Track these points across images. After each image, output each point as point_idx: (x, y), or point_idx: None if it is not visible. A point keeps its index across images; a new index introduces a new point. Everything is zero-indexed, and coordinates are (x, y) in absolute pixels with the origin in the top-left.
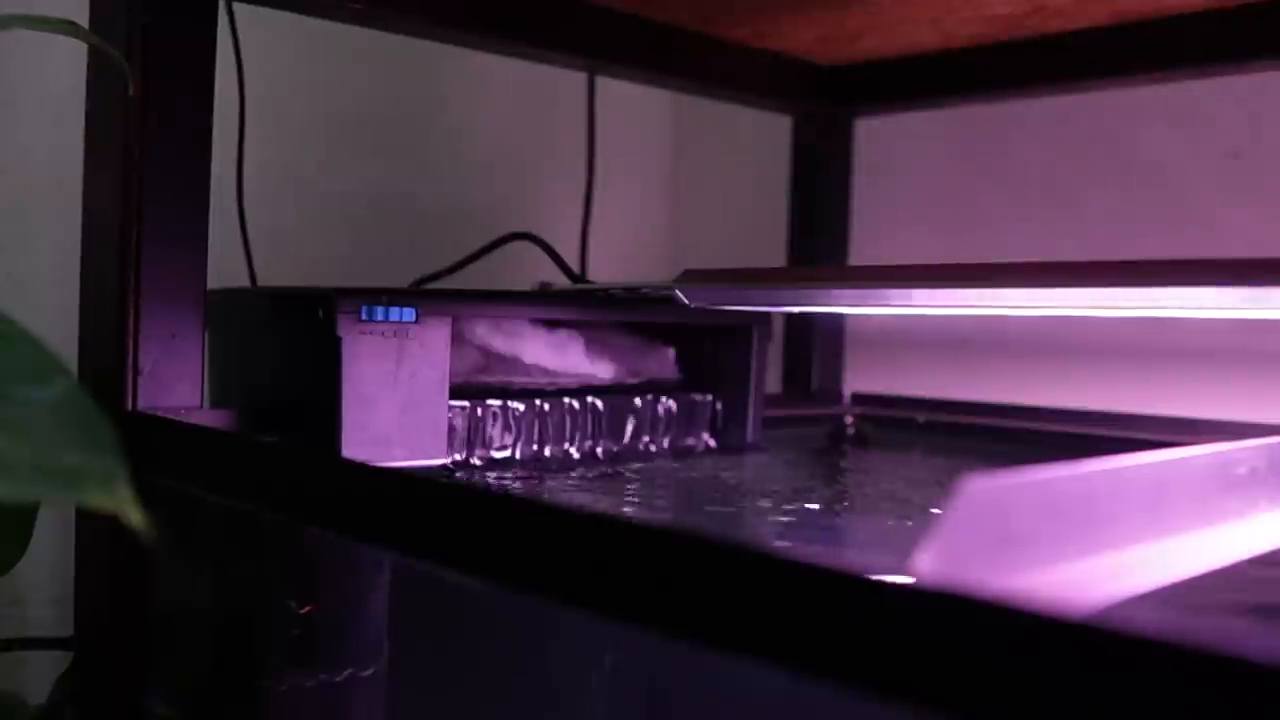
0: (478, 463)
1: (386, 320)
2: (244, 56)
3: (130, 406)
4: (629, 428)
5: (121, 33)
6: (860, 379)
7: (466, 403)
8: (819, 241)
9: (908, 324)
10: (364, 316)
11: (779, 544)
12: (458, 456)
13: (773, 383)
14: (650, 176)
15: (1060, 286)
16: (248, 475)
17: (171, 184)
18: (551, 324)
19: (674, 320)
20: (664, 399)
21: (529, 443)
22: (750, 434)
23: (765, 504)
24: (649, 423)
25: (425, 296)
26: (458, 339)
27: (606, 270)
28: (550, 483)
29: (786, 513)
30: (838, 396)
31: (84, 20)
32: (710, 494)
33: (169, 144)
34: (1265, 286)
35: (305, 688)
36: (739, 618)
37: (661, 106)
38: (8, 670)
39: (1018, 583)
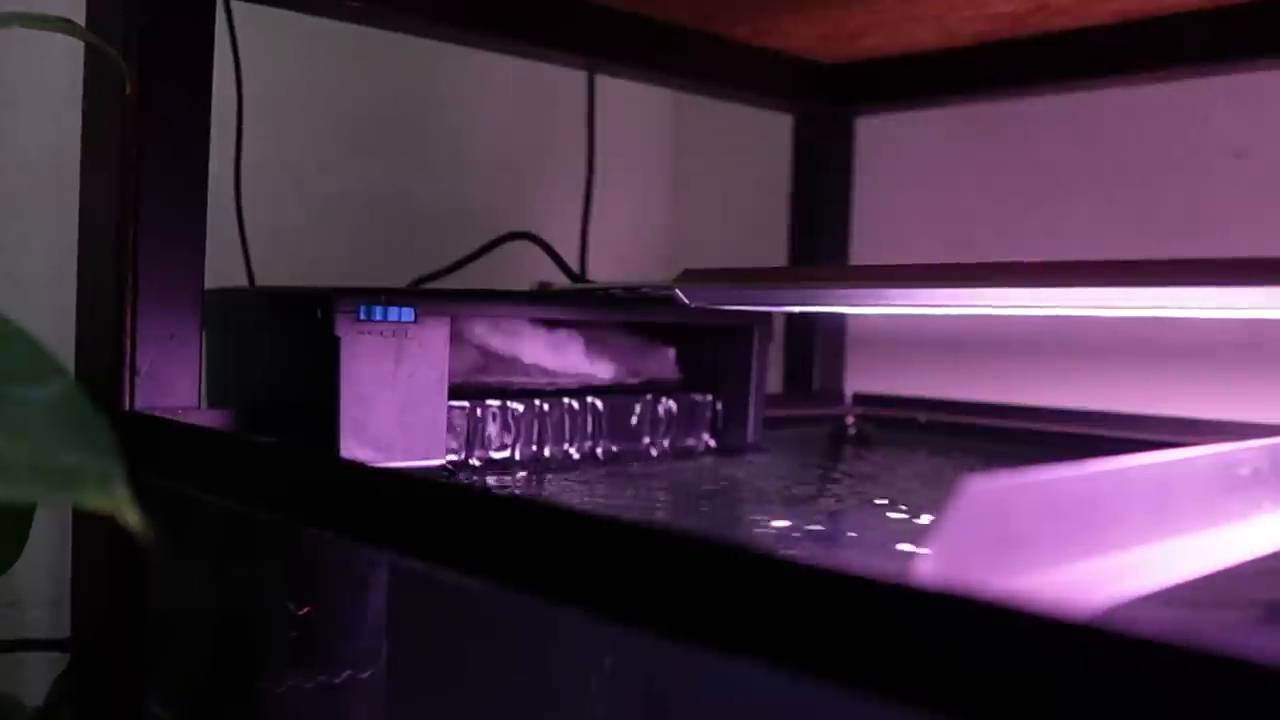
0: (477, 463)
1: (385, 320)
2: (242, 55)
3: (127, 406)
4: (629, 428)
5: (119, 31)
6: (861, 379)
7: (465, 403)
8: (820, 241)
9: (909, 324)
10: (362, 316)
11: (779, 545)
12: (456, 457)
13: (773, 383)
14: (650, 176)
15: (1062, 286)
16: (245, 476)
17: (169, 183)
18: (551, 324)
19: (674, 320)
20: (664, 399)
21: (528, 443)
22: (751, 434)
23: (766, 505)
24: (649, 423)
25: (424, 296)
26: (457, 339)
27: (606, 270)
28: (550, 483)
29: (787, 513)
30: (839, 396)
31: (81, 19)
32: (711, 495)
33: (166, 143)
34: (1267, 286)
35: (303, 689)
36: (739, 619)
37: (661, 105)
38: (4, 672)
39: (1020, 584)
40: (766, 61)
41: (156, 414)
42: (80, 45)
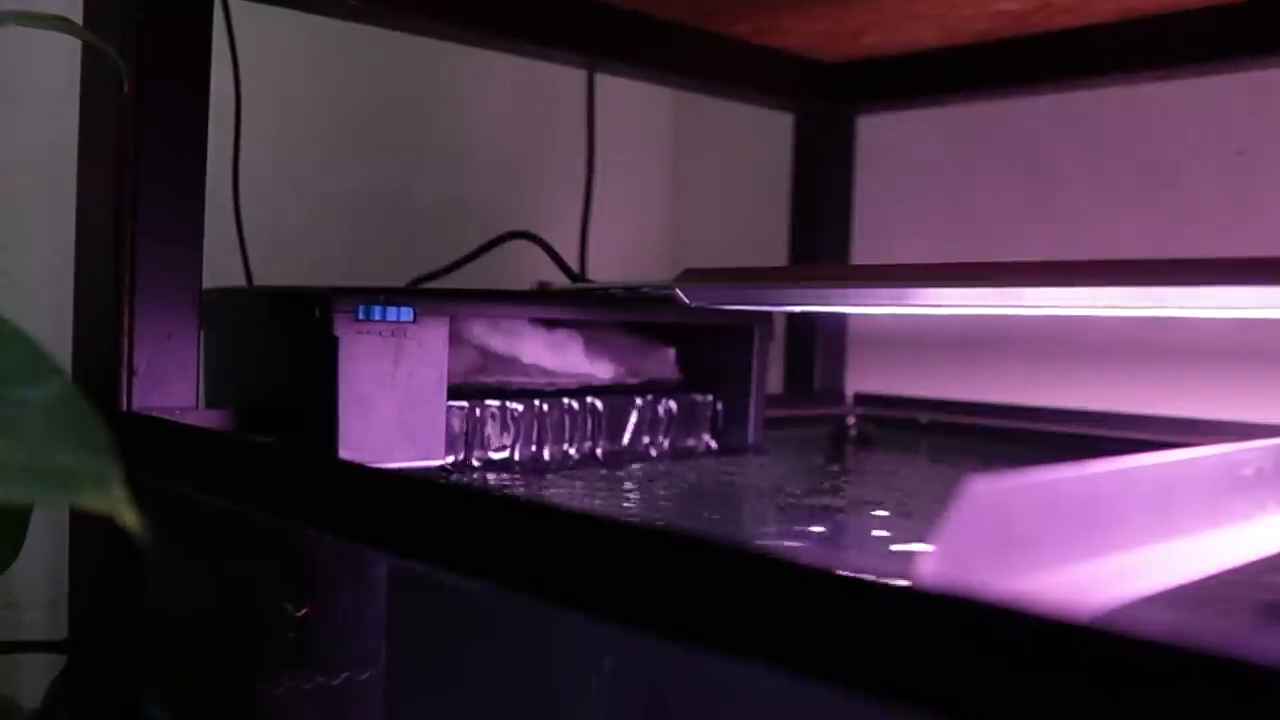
0: (476, 464)
1: (384, 320)
2: (240, 53)
3: (125, 407)
4: (629, 428)
5: (116, 30)
6: (862, 379)
7: (465, 403)
8: (820, 240)
9: (910, 323)
10: (361, 316)
11: (781, 546)
12: (456, 457)
13: (774, 383)
14: (650, 175)
15: (1064, 286)
16: (244, 476)
17: (167, 182)
18: (550, 324)
19: (674, 320)
20: (664, 399)
21: (527, 443)
22: (751, 435)
23: (766, 505)
24: (649, 423)
25: (423, 296)
26: (456, 339)
27: (606, 269)
28: (549, 484)
29: (788, 514)
30: (840, 397)
31: (79, 17)
32: (711, 495)
33: (164, 142)
34: (1269, 286)
35: (302, 691)
36: (740, 620)
37: (662, 104)
38: (2, 673)
39: (1022, 585)
40: (767, 60)
41: (154, 414)
42: (78, 44)
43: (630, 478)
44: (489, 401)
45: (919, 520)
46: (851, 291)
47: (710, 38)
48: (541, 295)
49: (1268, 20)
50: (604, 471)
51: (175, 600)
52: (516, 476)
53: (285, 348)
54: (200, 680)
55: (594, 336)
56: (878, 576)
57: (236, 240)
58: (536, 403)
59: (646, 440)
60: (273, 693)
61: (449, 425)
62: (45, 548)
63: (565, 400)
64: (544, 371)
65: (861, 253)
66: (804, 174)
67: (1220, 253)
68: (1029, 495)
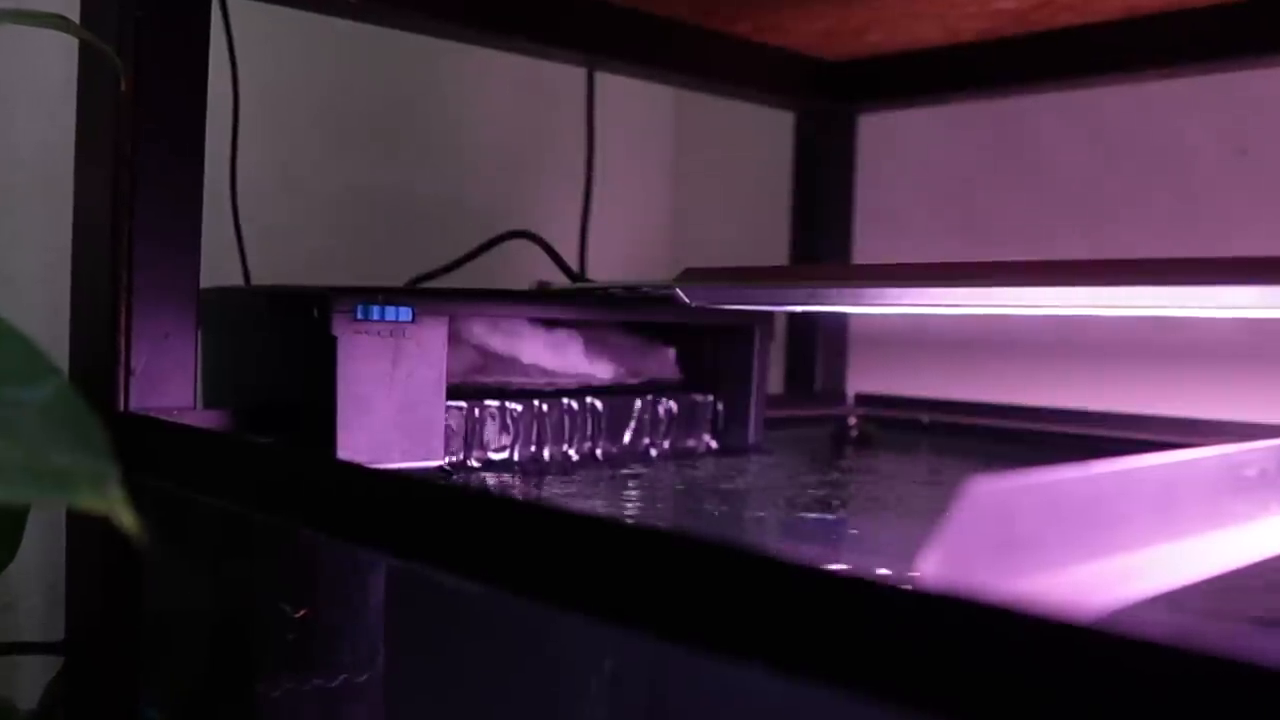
0: (475, 464)
1: (382, 320)
2: (238, 52)
3: (122, 407)
4: (629, 429)
5: (113, 28)
6: (863, 379)
7: (464, 403)
8: (821, 239)
9: (911, 323)
10: (360, 316)
11: (781, 547)
12: (455, 458)
13: (775, 383)
14: (650, 174)
15: (1065, 285)
16: (241, 477)
17: (164, 181)
18: (550, 323)
19: (674, 320)
20: (664, 400)
21: (527, 444)
22: (752, 435)
23: (767, 506)
24: (649, 424)
25: (422, 296)
26: (455, 339)
27: (606, 269)
28: (549, 485)
29: (789, 515)
30: (841, 397)
31: (76, 15)
32: (711, 496)
33: (161, 140)
34: (1271, 285)
35: (300, 693)
36: (740, 622)
37: (662, 102)
38: None
39: (1024, 586)
40: (767, 58)
41: (151, 414)
42: (75, 42)
43: (630, 478)
44: (488, 402)
45: (920, 521)
46: (852, 291)
47: (710, 36)
48: (541, 295)
49: (1270, 19)
50: (604, 472)
51: (173, 601)
52: (516, 477)
53: (283, 348)
54: (198, 682)
55: (594, 336)
56: (879, 578)
57: (234, 239)
58: (536, 403)
59: (646, 441)
60: (271, 694)
61: (448, 425)
62: (42, 548)
63: (565, 400)
64: (544, 371)
65: (862, 252)
66: (805, 173)
67: (1222, 252)
68: (1030, 496)
